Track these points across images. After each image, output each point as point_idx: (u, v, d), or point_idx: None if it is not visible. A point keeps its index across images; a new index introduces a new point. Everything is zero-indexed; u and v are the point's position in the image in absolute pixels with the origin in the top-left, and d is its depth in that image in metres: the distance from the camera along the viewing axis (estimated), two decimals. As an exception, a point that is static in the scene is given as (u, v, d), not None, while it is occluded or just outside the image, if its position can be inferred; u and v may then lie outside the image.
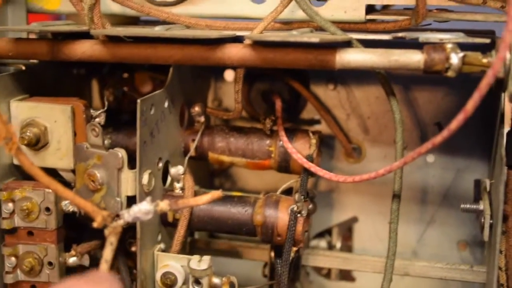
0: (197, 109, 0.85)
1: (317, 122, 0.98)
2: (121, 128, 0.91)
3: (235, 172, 1.07)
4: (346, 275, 1.05)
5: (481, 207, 0.78)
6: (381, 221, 1.00)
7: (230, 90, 1.02)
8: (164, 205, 0.55)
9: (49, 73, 0.88)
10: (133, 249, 0.85)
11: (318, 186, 1.02)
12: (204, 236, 1.06)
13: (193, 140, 0.87)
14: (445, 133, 0.58)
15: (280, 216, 0.77)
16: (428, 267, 0.90)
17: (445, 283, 0.97)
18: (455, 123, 0.57)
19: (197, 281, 0.76)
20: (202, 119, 0.86)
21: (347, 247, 1.04)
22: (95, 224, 0.55)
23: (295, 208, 0.76)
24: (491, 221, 0.75)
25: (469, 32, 0.75)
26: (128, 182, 0.75)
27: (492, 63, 0.55)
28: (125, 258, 0.84)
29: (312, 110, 0.98)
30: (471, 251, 0.98)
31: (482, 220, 0.76)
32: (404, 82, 0.94)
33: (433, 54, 0.64)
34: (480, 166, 0.94)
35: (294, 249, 0.77)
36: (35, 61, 0.84)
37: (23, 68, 0.84)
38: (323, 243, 1.03)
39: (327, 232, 1.03)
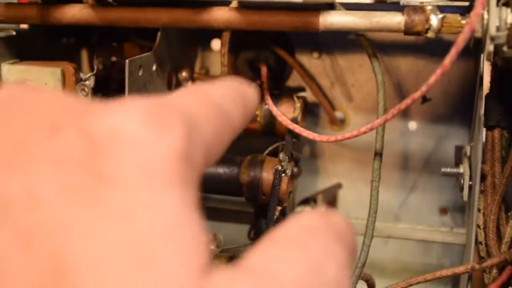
0: (184, 74, 0.87)
1: (302, 89, 1.00)
2: (110, 95, 0.93)
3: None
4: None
5: (461, 170, 0.80)
6: (365, 188, 1.02)
7: (217, 60, 1.03)
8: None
9: (39, 41, 0.90)
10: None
11: (303, 153, 1.03)
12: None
13: (181, 105, 0.89)
14: (423, 88, 0.60)
15: (265, 176, 0.79)
16: (410, 229, 0.92)
17: (426, 246, 1.00)
18: (433, 78, 0.59)
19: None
20: (190, 84, 0.88)
21: (332, 214, 1.06)
22: None
23: (280, 168, 0.78)
24: (470, 183, 0.77)
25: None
26: (117, 142, 0.76)
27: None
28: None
29: (297, 78, 0.99)
30: (451, 216, 1.00)
31: (462, 182, 0.79)
32: (386, 51, 0.96)
33: (413, 15, 0.67)
34: (461, 133, 0.96)
35: (279, 208, 0.79)
36: (25, 27, 0.86)
37: (14, 33, 0.85)
38: (308, 209, 1.05)
39: (312, 199, 1.05)
